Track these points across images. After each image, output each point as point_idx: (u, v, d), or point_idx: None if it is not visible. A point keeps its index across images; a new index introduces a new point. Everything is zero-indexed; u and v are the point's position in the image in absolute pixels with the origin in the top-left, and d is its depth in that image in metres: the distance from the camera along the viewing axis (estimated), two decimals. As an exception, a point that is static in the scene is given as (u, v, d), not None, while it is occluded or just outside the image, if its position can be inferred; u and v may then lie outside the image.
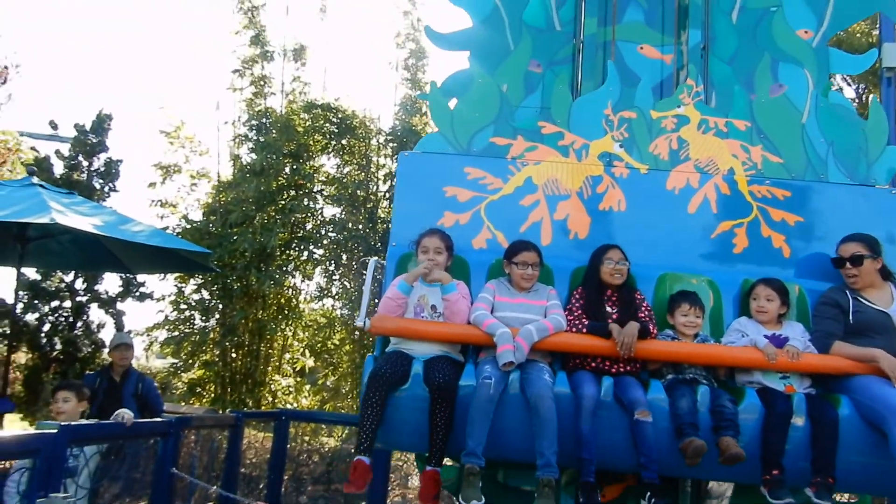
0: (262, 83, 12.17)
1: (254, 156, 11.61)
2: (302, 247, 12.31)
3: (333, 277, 12.60)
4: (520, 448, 4.00)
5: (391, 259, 4.66)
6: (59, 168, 12.65)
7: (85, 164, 12.74)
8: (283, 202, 11.66)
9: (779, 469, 3.91)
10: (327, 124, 12.10)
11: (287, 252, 12.03)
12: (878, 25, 8.99)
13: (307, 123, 12.05)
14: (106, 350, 12.35)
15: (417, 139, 7.24)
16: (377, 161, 12.28)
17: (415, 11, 12.28)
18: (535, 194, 4.74)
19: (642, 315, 4.30)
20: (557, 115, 4.84)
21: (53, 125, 12.85)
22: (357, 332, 11.70)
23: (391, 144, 11.86)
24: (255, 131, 12.02)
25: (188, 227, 11.60)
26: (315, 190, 12.39)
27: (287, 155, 11.69)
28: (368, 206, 11.88)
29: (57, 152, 12.66)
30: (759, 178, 4.73)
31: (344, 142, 12.22)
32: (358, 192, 11.97)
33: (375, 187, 12.22)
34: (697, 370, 4.27)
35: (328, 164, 12.73)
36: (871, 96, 5.06)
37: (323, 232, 12.33)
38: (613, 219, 4.70)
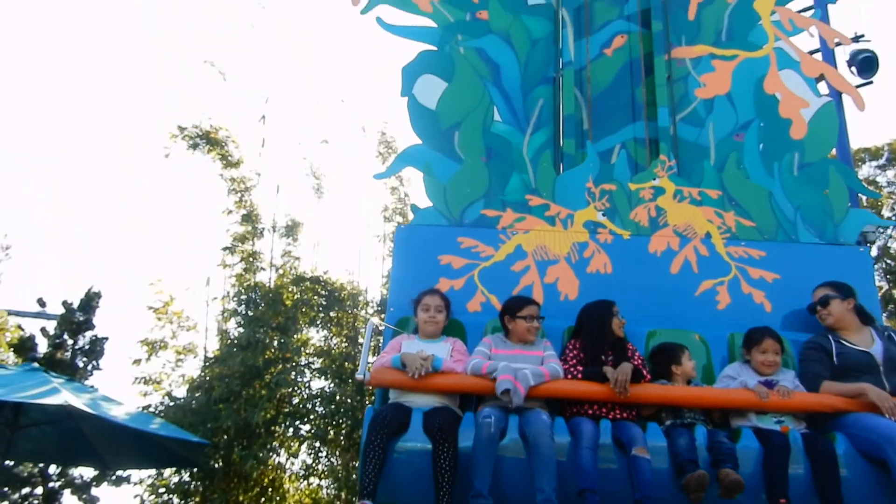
0: (252, 259, 12.58)
1: (241, 330, 11.77)
2: (287, 422, 12.09)
3: (319, 454, 12.31)
4: (522, 496, 4.03)
5: (389, 321, 4.91)
6: (42, 346, 12.70)
7: (69, 342, 12.83)
8: (269, 376, 11.61)
9: (785, 498, 3.96)
10: (315, 297, 12.41)
11: (272, 428, 11.83)
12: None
13: (295, 296, 12.32)
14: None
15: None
16: (365, 332, 12.39)
17: (401, 188, 13.05)
18: (526, 260, 5.13)
19: (635, 362, 4.49)
20: (543, 189, 5.35)
21: (41, 303, 13.13)
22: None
23: (380, 315, 12.10)
24: (243, 306, 12.21)
25: (171, 404, 11.45)
26: (302, 363, 12.30)
27: (275, 328, 11.81)
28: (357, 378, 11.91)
29: (42, 330, 12.81)
30: (734, 240, 5.16)
31: (332, 314, 12.44)
32: (346, 363, 12.00)
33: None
34: (695, 414, 4.42)
35: (316, 336, 12.81)
36: (829, 166, 5.57)
37: (309, 406, 12.11)
38: (601, 280, 5.06)
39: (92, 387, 11.45)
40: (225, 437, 10.97)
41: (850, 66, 11.96)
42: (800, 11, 6.40)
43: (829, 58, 11.22)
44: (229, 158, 12.62)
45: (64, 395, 6.63)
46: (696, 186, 5.33)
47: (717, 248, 5.13)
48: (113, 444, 8.44)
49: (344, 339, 12.65)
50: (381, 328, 4.97)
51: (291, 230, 13.24)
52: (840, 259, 5.06)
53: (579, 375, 4.44)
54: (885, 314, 4.64)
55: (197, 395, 11.48)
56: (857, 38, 12.22)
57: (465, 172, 5.44)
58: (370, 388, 4.60)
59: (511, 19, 6.09)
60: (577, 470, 4.04)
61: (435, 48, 6.02)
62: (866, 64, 11.84)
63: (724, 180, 5.38)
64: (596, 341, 4.58)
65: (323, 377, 12.37)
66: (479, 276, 5.09)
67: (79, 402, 6.72)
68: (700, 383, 4.62)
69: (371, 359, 4.56)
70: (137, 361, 11.83)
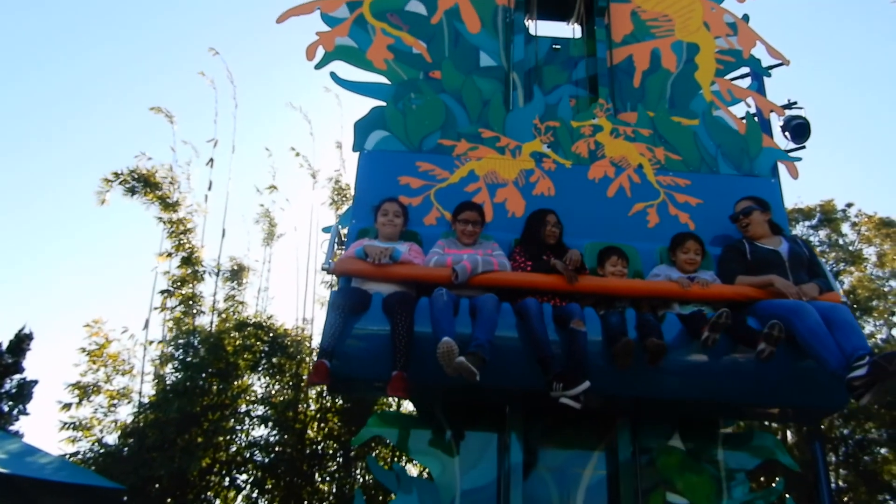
0: (191, 302, 12.75)
1: (179, 375, 11.84)
2: (224, 471, 11.95)
3: (256, 505, 12.12)
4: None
5: (351, 232, 5.56)
6: (-34, 390, 12.50)
7: (-5, 385, 12.67)
8: (207, 423, 11.61)
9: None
10: (258, 342, 12.54)
11: (207, 477, 11.72)
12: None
13: (237, 342, 12.44)
14: None
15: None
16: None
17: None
18: (478, 183, 5.94)
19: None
20: (494, 124, 6.13)
21: (-32, 343, 13.03)
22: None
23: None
24: (181, 350, 12.26)
25: (101, 451, 11.38)
26: (242, 411, 12.33)
27: (214, 374, 11.88)
28: (297, 426, 11.97)
29: (-34, 373, 12.56)
30: (663, 170, 6.00)
31: (274, 360, 12.56)
32: (288, 411, 12.01)
33: (306, 406, 12.34)
34: (626, 304, 5.11)
35: (257, 383, 12.88)
36: (746, 111, 6.51)
37: (247, 455, 12.09)
38: (545, 201, 5.87)
39: (16, 433, 11.32)
40: (157, 486, 10.93)
41: (783, 132, 13.05)
42: (734, 79, 7.25)
43: (765, 126, 12.36)
44: (167, 201, 12.83)
45: None
46: (631, 126, 6.20)
47: (649, 177, 5.99)
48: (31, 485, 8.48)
49: (286, 387, 12.61)
50: (343, 234, 5.57)
51: (236, 274, 13.37)
52: (754, 188, 5.95)
53: (528, 269, 5.09)
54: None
55: (129, 441, 11.43)
56: (789, 105, 13.32)
57: (425, 108, 6.23)
58: (335, 275, 5.15)
59: (463, 80, 6.72)
60: (532, 342, 4.67)
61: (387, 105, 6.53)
62: (799, 130, 12.97)
63: (655, 122, 6.25)
64: (536, 243, 5.27)
65: (264, 425, 12.28)
66: (435, 195, 5.83)
67: None
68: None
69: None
70: (66, 406, 11.69)
